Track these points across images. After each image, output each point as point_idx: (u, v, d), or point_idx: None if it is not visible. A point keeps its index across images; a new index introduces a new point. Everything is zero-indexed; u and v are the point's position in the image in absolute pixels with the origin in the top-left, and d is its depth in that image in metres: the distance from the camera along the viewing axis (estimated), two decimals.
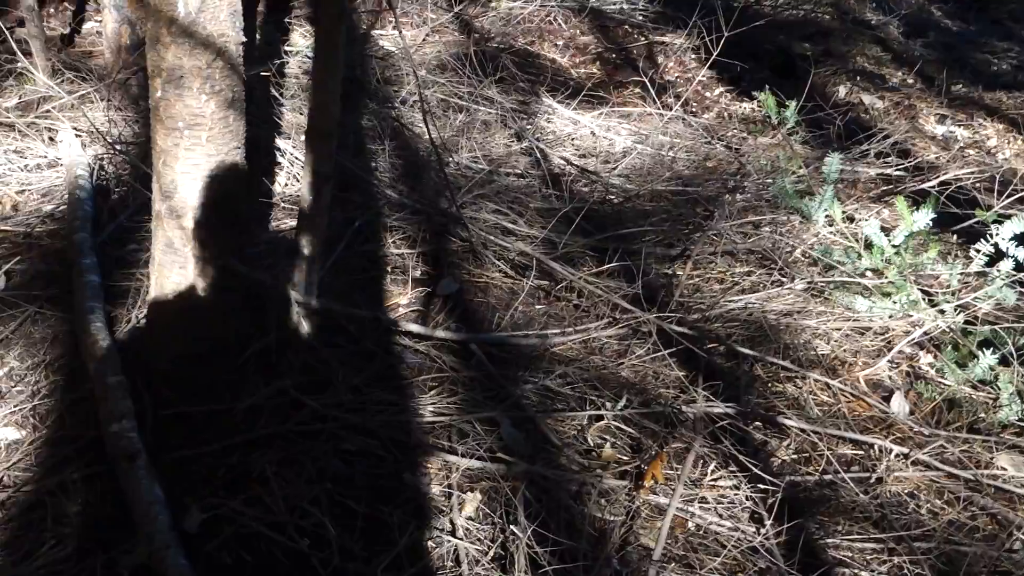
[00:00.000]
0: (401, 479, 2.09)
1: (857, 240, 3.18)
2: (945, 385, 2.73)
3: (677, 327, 2.69)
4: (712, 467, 2.27)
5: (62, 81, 4.04)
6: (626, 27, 6.23)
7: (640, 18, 6.36)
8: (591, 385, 2.52)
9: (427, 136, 4.00)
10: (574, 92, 4.84)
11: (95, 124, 3.62)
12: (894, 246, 3.08)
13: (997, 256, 2.92)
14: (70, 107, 3.85)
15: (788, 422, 2.43)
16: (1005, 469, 2.44)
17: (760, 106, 4.87)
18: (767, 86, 4.35)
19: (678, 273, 3.16)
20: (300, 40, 5.29)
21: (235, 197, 2.24)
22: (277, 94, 4.15)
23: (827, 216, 3.32)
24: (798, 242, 3.35)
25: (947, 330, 2.83)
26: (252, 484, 2.01)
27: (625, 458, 2.30)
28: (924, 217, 3.03)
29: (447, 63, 5.04)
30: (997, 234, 2.86)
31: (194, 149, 2.14)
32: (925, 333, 2.85)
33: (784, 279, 3.15)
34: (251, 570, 1.83)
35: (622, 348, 2.75)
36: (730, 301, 3.02)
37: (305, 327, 2.47)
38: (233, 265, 2.25)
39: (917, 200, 3.33)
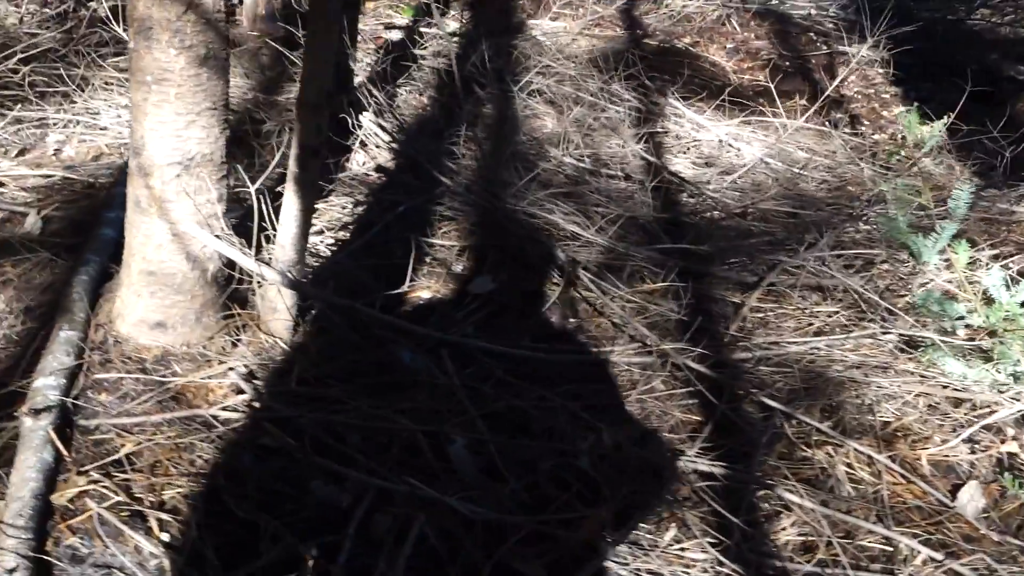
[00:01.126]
0: (307, 486, 1.89)
1: (977, 292, 2.63)
2: None
3: (695, 364, 2.30)
4: (673, 533, 1.89)
5: None
6: (810, 34, 5.67)
7: (828, 25, 5.77)
8: (575, 414, 2.20)
9: (537, 128, 3.79)
10: (716, 97, 4.42)
11: None
12: (1021, 304, 2.51)
13: None
14: None
15: (789, 496, 2.00)
16: None
17: (941, 130, 4.24)
18: (949, 111, 3.75)
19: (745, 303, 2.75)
20: (452, 24, 5.22)
21: (208, 160, 2.13)
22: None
23: (945, 260, 2.77)
24: (905, 287, 2.82)
25: None
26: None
27: (579, 504, 1.97)
28: None
29: (594, 58, 4.77)
30: None
31: (162, 106, 2.04)
32: (1021, 414, 2.29)
33: (875, 327, 2.65)
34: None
35: (639, 378, 2.40)
36: (795, 343, 2.57)
37: (281, 307, 2.33)
38: (194, 232, 2.13)
39: None
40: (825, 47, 5.49)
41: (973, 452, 2.27)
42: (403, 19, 5.21)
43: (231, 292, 2.32)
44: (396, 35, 4.87)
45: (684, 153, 3.95)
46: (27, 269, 2.50)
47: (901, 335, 2.58)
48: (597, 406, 2.25)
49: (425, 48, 4.61)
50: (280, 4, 4.33)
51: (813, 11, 5.84)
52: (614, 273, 2.89)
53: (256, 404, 2.06)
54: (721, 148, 3.97)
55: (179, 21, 1.97)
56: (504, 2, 5.49)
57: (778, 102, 4.25)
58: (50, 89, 3.51)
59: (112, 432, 1.96)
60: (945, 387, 2.42)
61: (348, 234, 2.93)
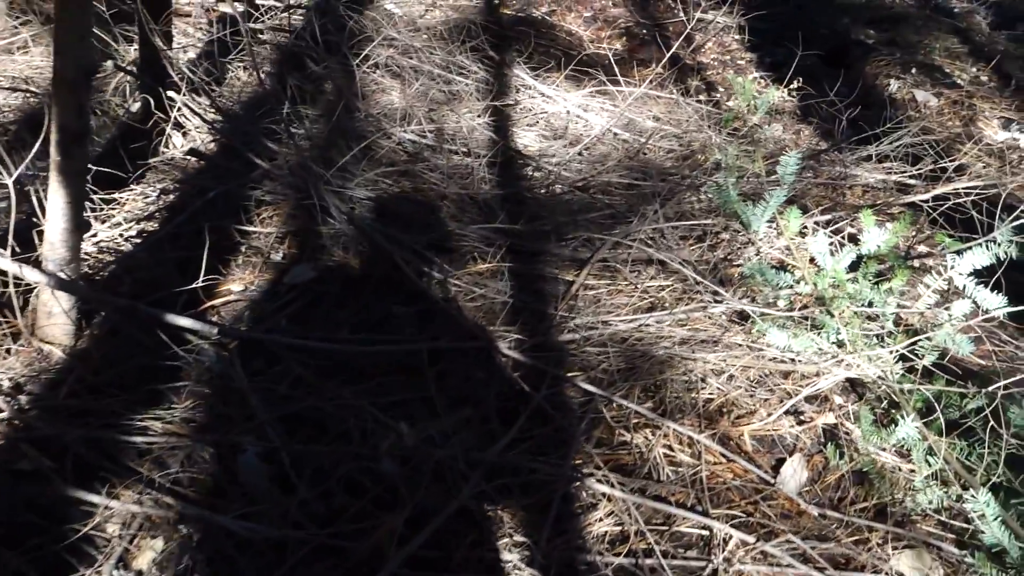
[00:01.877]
0: (63, 515, 1.70)
1: (806, 260, 2.58)
2: (861, 454, 2.13)
3: (513, 351, 2.18)
4: (473, 536, 1.77)
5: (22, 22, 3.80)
6: (668, 1, 5.62)
7: None
8: (378, 414, 2.05)
9: (380, 103, 3.60)
10: (563, 67, 4.30)
11: None
12: (847, 270, 2.46)
13: (953, 294, 2.28)
14: None
15: (599, 487, 1.90)
16: (902, 575, 1.86)
17: (791, 94, 4.24)
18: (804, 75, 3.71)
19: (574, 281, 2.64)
20: None
21: None
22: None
23: (776, 229, 2.72)
24: (739, 257, 2.77)
25: (876, 381, 2.22)
26: None
27: (377, 511, 1.83)
28: (878, 237, 2.41)
29: (447, 30, 4.58)
30: (953, 267, 2.22)
31: None
32: (848, 381, 2.25)
33: (706, 300, 2.58)
34: None
35: (449, 368, 2.26)
36: (623, 321, 2.48)
37: (57, 311, 2.10)
38: None
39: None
40: (683, 15, 5.43)
41: (798, 424, 2.22)
42: None
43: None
44: (235, 8, 4.59)
45: (532, 126, 3.82)
46: None
47: (730, 307, 2.51)
48: (406, 401, 2.11)
49: (264, 22, 4.35)
50: None
51: None
52: (444, 254, 2.74)
53: (15, 422, 1.85)
54: (569, 120, 3.86)
55: None
56: None
57: (633, 71, 4.17)
58: None
59: None
60: (772, 360, 2.36)
61: (155, 224, 2.70)
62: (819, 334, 2.37)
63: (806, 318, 2.41)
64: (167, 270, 2.48)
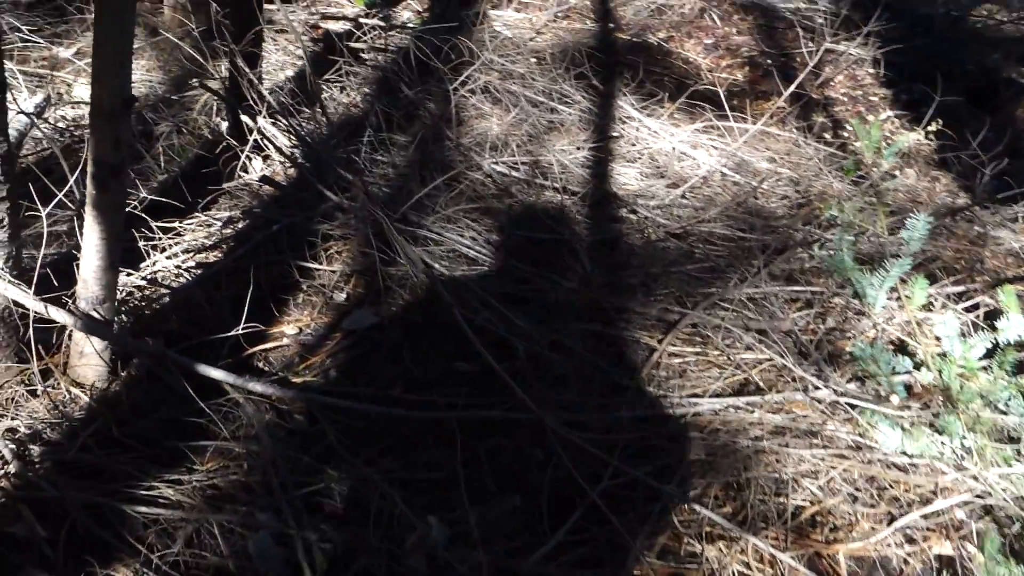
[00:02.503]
0: None
1: (931, 341, 2.22)
2: None
3: (573, 431, 1.92)
4: None
5: None
6: (797, 30, 5.23)
7: (818, 20, 5.32)
8: (410, 496, 1.82)
9: (476, 130, 3.40)
10: (674, 98, 4.00)
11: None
12: (979, 359, 2.10)
13: None
14: None
15: None
16: None
17: (927, 137, 3.81)
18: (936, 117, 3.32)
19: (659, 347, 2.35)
20: (406, 14, 4.84)
21: None
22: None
23: (898, 300, 2.37)
24: (851, 331, 2.42)
25: (999, 506, 1.86)
26: None
27: None
28: (1021, 325, 2.04)
29: (554, 54, 4.36)
30: None
31: None
32: (967, 504, 1.89)
33: (809, 382, 2.25)
34: None
35: (503, 443, 2.01)
36: (709, 401, 2.18)
37: (89, 351, 1.97)
38: None
39: None
40: (811, 44, 5.04)
41: (907, 544, 1.88)
42: (354, 9, 4.83)
43: (34, 334, 1.96)
44: (339, 26, 4.50)
45: (633, 163, 3.54)
46: None
47: (837, 392, 2.17)
48: (448, 481, 1.87)
49: (366, 41, 4.23)
50: None
51: (802, 4, 5.39)
52: (516, 306, 2.50)
53: (20, 478, 1.70)
54: (675, 157, 3.56)
55: None
56: None
57: (752, 105, 3.84)
58: None
59: None
60: (881, 463, 2.02)
61: (216, 256, 2.56)
62: (940, 436, 2.01)
63: (927, 415, 2.05)
64: (219, 308, 2.33)
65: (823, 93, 4.60)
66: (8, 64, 3.25)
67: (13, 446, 1.79)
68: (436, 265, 2.58)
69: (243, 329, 2.14)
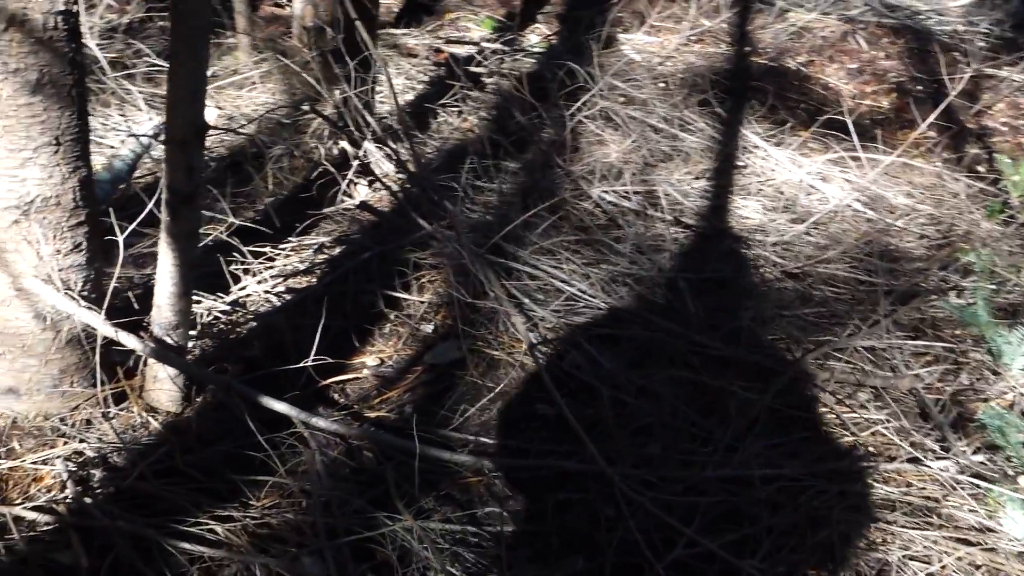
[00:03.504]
0: None
1: None
2: None
3: (648, 492, 1.75)
4: None
5: (258, 60, 3.90)
6: (953, 54, 4.84)
7: (978, 44, 4.91)
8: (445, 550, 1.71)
9: (593, 157, 3.29)
10: (808, 126, 3.75)
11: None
12: None
13: None
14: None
15: None
16: None
17: None
18: None
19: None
20: (533, 38, 4.79)
21: (53, 205, 1.78)
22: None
23: None
24: (983, 393, 2.14)
25: None
26: None
27: None
28: None
29: (686, 79, 4.19)
30: None
31: None
32: None
33: (929, 449, 2.00)
34: None
35: (575, 498, 1.87)
36: (809, 465, 1.96)
37: (163, 376, 1.96)
38: (34, 288, 1.80)
39: None
40: (969, 68, 4.65)
41: None
42: (481, 32, 4.82)
43: (112, 357, 1.97)
44: (464, 50, 4.48)
45: (755, 195, 3.32)
46: None
47: (956, 465, 1.92)
48: (513, 536, 1.75)
49: (488, 65, 4.18)
50: (330, 16, 4.02)
51: (960, 27, 4.99)
52: (608, 347, 2.36)
53: (76, 504, 1.69)
54: (801, 190, 3.32)
55: (0, 40, 1.63)
56: (596, 15, 4.98)
57: (896, 135, 3.55)
58: None
59: None
60: (1006, 552, 1.75)
61: (306, 282, 2.54)
62: None
63: None
64: (302, 336, 2.28)
65: (979, 122, 4.23)
66: (134, 87, 3.38)
67: (75, 469, 1.79)
68: (526, 300, 2.46)
69: (318, 360, 2.09)
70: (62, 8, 1.67)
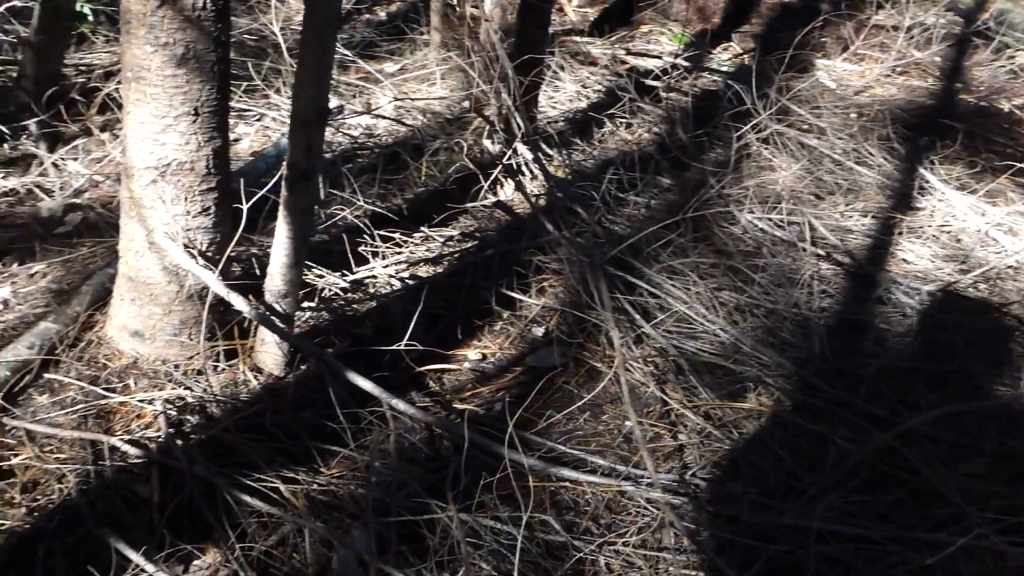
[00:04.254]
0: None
1: None
2: None
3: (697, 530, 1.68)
4: None
5: (445, 57, 4.06)
6: None
7: None
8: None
9: (757, 182, 3.20)
10: (1003, 174, 3.44)
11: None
12: None
13: None
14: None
15: None
16: None
17: None
18: None
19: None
20: (723, 56, 4.69)
21: (187, 169, 1.95)
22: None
23: None
24: None
25: None
26: None
27: None
28: None
29: (880, 111, 3.96)
30: None
31: (140, 105, 1.90)
32: None
33: None
34: None
35: (636, 520, 1.82)
36: (882, 528, 1.82)
37: (269, 339, 2.10)
38: (162, 243, 1.97)
39: None
40: None
41: None
42: (671, 47, 4.76)
43: (231, 316, 2.13)
44: (647, 63, 4.45)
45: (925, 241, 3.09)
46: (76, 255, 2.51)
47: None
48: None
49: (666, 80, 4.14)
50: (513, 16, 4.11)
51: None
52: (711, 375, 2.28)
53: (166, 445, 1.85)
54: (979, 240, 3.06)
55: (153, 16, 1.80)
56: (795, 38, 4.80)
57: None
58: (260, 84, 3.61)
59: (17, 438, 1.85)
60: None
61: (426, 271, 2.62)
62: None
63: None
64: (415, 322, 2.36)
65: None
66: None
67: (173, 412, 1.94)
68: (637, 316, 2.42)
69: (416, 347, 2.16)
70: None
